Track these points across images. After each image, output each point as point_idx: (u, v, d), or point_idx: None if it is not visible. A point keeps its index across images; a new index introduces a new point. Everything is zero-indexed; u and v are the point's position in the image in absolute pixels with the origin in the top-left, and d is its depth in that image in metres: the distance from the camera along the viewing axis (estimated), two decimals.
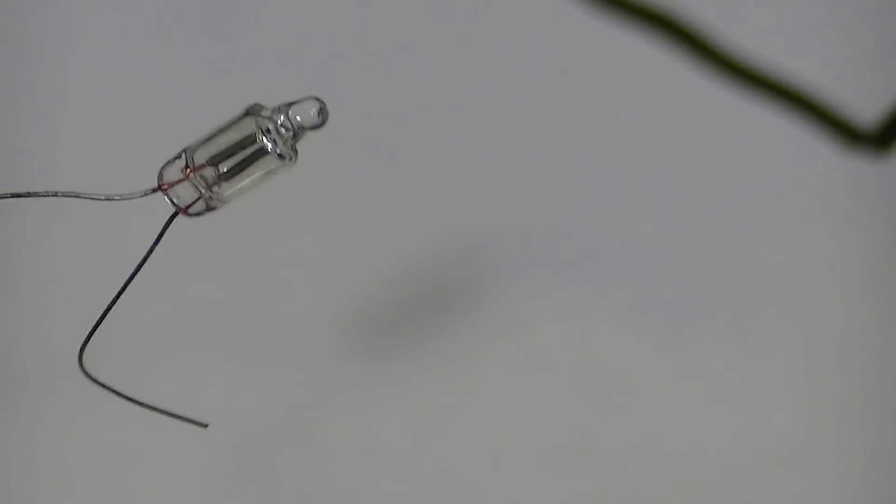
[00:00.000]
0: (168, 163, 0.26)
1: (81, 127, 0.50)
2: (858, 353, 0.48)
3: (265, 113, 0.26)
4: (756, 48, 0.51)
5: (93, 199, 0.26)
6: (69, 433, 0.46)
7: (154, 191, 0.26)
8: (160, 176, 0.26)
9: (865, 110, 0.50)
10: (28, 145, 0.50)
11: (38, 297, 0.48)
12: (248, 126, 0.26)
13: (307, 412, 0.46)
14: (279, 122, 0.26)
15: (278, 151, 0.25)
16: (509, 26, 0.52)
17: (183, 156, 0.26)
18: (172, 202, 0.26)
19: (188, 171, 0.26)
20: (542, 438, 0.47)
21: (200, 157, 0.26)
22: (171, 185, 0.26)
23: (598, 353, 0.48)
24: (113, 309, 0.26)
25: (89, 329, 0.26)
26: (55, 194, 0.26)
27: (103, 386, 0.27)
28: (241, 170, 0.26)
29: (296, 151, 0.26)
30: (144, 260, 0.26)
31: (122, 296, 0.26)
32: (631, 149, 0.51)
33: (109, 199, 0.26)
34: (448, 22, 0.52)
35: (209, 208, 0.26)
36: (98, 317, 0.26)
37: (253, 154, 0.26)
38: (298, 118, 0.26)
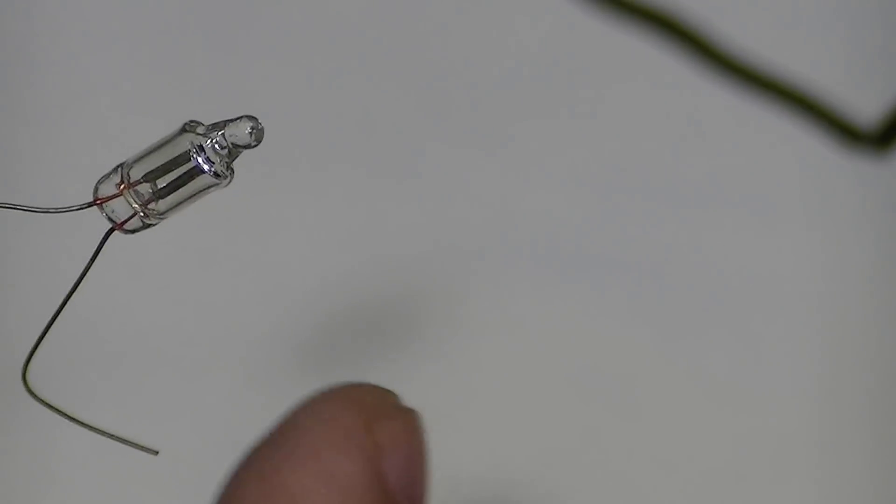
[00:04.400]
0: (104, 177, 0.26)
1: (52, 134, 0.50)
2: (861, 352, 0.49)
3: (200, 130, 0.26)
4: (756, 48, 0.51)
5: (31, 210, 0.26)
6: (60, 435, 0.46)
7: (90, 205, 0.26)
8: (95, 190, 0.26)
9: (865, 110, 0.50)
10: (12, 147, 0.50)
11: None
12: (183, 144, 0.26)
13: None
14: (213, 141, 0.26)
15: (213, 170, 0.26)
16: (509, 26, 0.52)
17: (119, 171, 0.26)
18: (109, 217, 0.26)
19: (123, 186, 0.26)
20: (541, 439, 0.47)
21: (136, 173, 0.26)
22: (106, 199, 0.26)
23: (598, 353, 0.48)
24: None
25: (31, 345, 0.27)
26: None
27: (49, 406, 0.27)
28: (177, 187, 0.26)
29: (231, 170, 0.26)
30: (83, 275, 0.26)
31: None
32: (631, 149, 0.51)
33: (46, 212, 0.26)
34: (448, 22, 0.52)
35: (145, 225, 0.26)
36: (40, 332, 0.27)
37: (188, 172, 0.26)
38: (234, 137, 0.26)
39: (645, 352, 0.48)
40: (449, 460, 0.48)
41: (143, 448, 0.25)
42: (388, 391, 0.24)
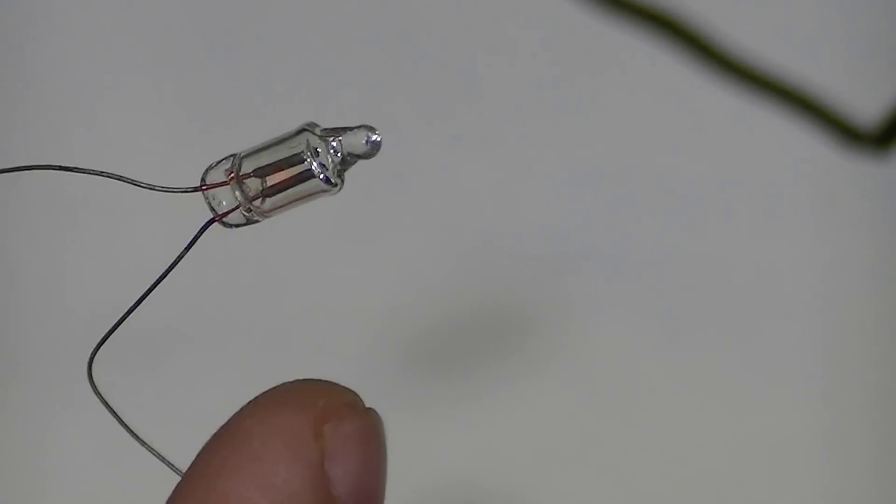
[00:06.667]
0: (213, 165, 0.25)
1: (81, 128, 0.50)
2: (864, 351, 0.48)
3: (317, 133, 0.25)
4: (756, 48, 0.51)
5: (136, 184, 0.25)
6: (58, 430, 0.46)
7: (195, 189, 0.25)
8: (203, 177, 0.25)
9: (865, 110, 0.50)
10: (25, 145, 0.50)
11: (30, 294, 0.48)
12: (299, 145, 0.25)
13: None
14: (330, 147, 0.25)
15: (324, 176, 0.25)
16: (509, 26, 0.52)
17: (230, 160, 0.25)
18: (211, 206, 0.25)
19: (231, 176, 0.25)
20: (541, 440, 0.47)
21: (247, 167, 0.25)
22: (212, 187, 0.25)
23: (599, 354, 0.48)
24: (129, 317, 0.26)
25: (98, 334, 0.26)
26: (100, 173, 0.25)
27: (108, 407, 0.26)
28: (285, 188, 0.25)
29: (342, 179, 0.25)
30: (172, 266, 0.25)
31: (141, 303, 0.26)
32: (632, 149, 0.51)
33: (151, 188, 0.25)
34: (448, 22, 0.52)
35: (246, 221, 0.26)
36: (111, 324, 0.26)
37: (299, 174, 0.25)
38: (350, 146, 0.25)
39: (646, 352, 0.48)
40: (451, 462, 0.48)
41: (178, 471, 0.25)
42: (344, 390, 0.23)
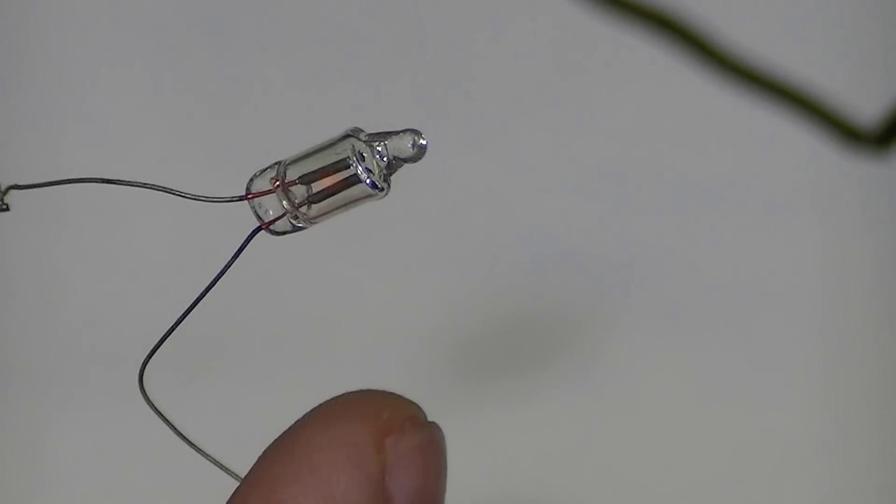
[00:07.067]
0: (258, 173, 0.25)
1: (80, 131, 0.50)
2: (862, 352, 0.48)
3: (363, 138, 0.25)
4: (756, 48, 0.51)
5: (180, 195, 0.25)
6: (57, 430, 0.46)
7: (241, 198, 0.25)
8: (249, 184, 0.25)
9: (865, 110, 0.50)
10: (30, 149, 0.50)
11: (37, 294, 0.48)
12: (344, 150, 0.25)
13: None
14: (376, 151, 0.25)
15: (370, 181, 0.25)
16: (509, 26, 0.52)
17: (275, 168, 0.25)
18: (257, 214, 0.25)
19: (277, 184, 0.25)
20: (541, 439, 0.47)
21: (292, 173, 0.25)
22: (257, 195, 0.25)
23: (599, 353, 0.48)
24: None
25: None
26: (144, 185, 0.25)
27: (161, 415, 0.26)
28: (331, 193, 0.25)
29: (388, 183, 0.25)
30: (220, 275, 0.25)
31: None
32: (632, 149, 0.51)
33: (196, 199, 0.25)
34: (448, 22, 0.52)
35: (293, 228, 0.25)
36: (161, 333, 0.26)
37: (345, 179, 0.25)
38: (396, 150, 0.25)
39: (646, 351, 0.48)
40: (451, 462, 0.48)
41: (236, 476, 0.24)
42: (407, 402, 0.22)
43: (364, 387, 0.23)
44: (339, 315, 0.48)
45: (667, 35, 0.51)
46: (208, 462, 0.27)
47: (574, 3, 0.52)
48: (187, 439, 0.26)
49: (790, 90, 0.51)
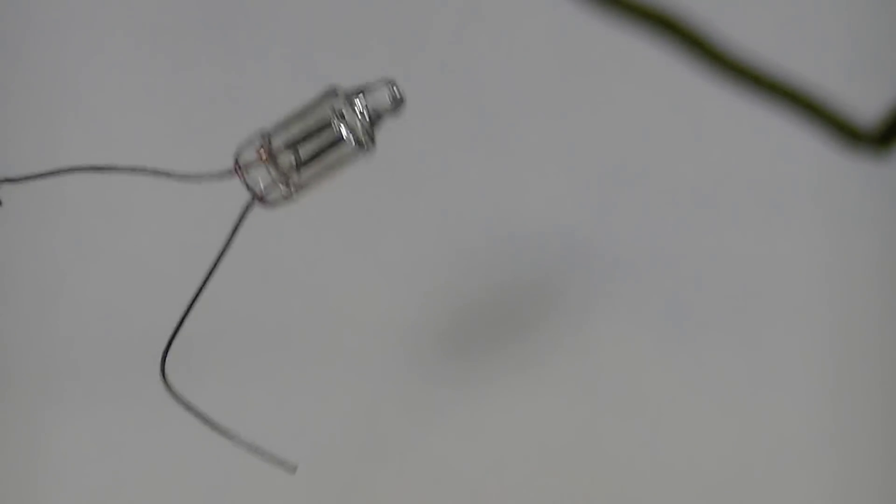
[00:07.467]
0: (243, 144, 0.25)
1: (79, 124, 0.50)
2: (864, 351, 0.48)
3: (340, 95, 0.24)
4: (756, 48, 0.51)
5: (168, 176, 0.25)
6: (56, 430, 0.46)
7: (230, 172, 0.25)
8: (236, 157, 0.25)
9: (865, 110, 0.50)
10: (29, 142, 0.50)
11: (37, 293, 0.48)
12: (324, 111, 0.24)
13: None
14: (355, 108, 0.24)
15: (354, 139, 0.24)
16: (509, 26, 0.52)
17: (259, 137, 0.25)
18: (248, 186, 0.25)
19: (263, 153, 0.25)
20: (541, 438, 0.47)
21: (277, 141, 0.25)
22: (247, 167, 0.25)
23: (599, 353, 0.48)
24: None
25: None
26: (134, 170, 0.25)
27: (187, 407, 0.26)
28: (318, 156, 0.25)
29: (373, 140, 0.25)
30: (222, 254, 0.25)
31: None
32: (633, 149, 0.51)
33: (184, 178, 0.25)
34: (448, 22, 0.52)
35: (286, 198, 0.25)
36: (173, 324, 0.25)
37: (329, 141, 0.24)
38: (374, 103, 0.24)
39: (646, 351, 0.48)
40: (451, 461, 0.48)
41: (280, 463, 0.24)
42: None
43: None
44: (339, 315, 0.48)
45: (667, 35, 0.51)
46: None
47: (574, 3, 0.52)
48: (220, 427, 0.26)
49: (790, 90, 0.51)
